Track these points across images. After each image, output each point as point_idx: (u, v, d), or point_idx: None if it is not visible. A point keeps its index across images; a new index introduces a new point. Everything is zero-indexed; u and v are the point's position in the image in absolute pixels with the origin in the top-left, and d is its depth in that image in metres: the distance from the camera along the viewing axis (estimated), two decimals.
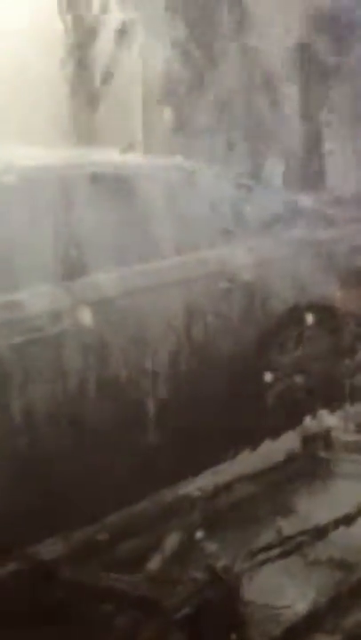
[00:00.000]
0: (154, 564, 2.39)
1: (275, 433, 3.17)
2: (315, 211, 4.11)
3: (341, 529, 2.56)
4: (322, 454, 3.06)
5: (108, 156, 3.67)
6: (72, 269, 3.03)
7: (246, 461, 3.02)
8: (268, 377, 3.70)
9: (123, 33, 6.11)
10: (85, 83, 6.12)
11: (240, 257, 3.55)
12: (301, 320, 3.79)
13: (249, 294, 3.54)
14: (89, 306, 2.98)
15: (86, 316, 2.92)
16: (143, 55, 6.99)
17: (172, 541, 2.54)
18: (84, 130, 6.18)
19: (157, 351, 3.24)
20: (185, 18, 6.42)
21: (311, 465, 3.07)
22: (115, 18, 6.10)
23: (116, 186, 3.32)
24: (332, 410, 3.18)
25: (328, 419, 3.05)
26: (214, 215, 3.57)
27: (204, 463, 2.97)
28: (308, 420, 3.08)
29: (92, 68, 6.15)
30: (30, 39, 5.84)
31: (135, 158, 3.95)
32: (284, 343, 3.77)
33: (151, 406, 3.19)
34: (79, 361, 2.99)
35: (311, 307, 3.79)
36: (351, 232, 4.06)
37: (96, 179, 3.24)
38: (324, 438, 3.04)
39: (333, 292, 3.82)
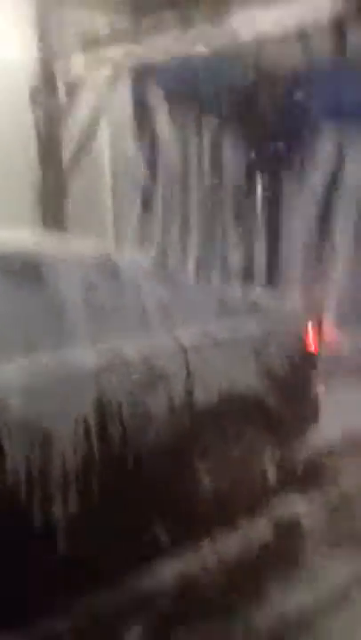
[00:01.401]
0: None
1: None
2: (252, 305, 4.09)
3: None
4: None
5: (21, 240, 3.50)
6: None
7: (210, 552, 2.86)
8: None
9: (91, 122, 6.30)
10: (53, 168, 6.23)
11: (161, 347, 3.43)
12: (229, 415, 3.67)
13: (171, 387, 3.39)
14: None
15: None
16: (112, 144, 7.22)
17: None
18: (52, 217, 6.27)
19: (64, 455, 2.97)
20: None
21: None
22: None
23: (24, 272, 3.18)
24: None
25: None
26: (134, 305, 3.51)
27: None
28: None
29: (60, 155, 6.28)
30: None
31: (54, 243, 3.79)
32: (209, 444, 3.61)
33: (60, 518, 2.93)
34: None
35: (240, 401, 3.69)
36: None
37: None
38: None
39: (263, 387, 3.73)
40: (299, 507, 2.95)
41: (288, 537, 2.97)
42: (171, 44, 5.42)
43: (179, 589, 2.72)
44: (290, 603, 2.64)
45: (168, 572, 2.82)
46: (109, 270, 3.48)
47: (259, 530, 3.01)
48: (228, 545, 2.98)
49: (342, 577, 2.67)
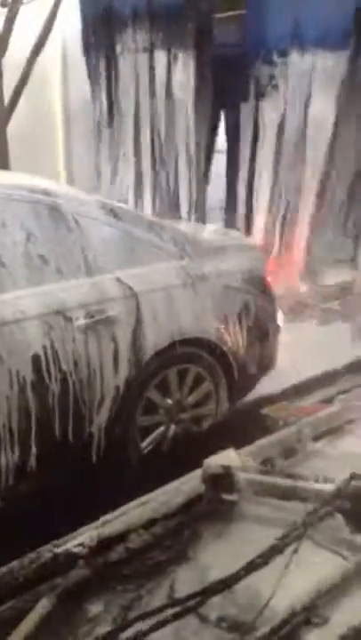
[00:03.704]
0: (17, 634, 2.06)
1: (171, 476, 2.88)
2: (199, 241, 3.85)
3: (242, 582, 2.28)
4: (225, 496, 2.77)
5: None
6: None
7: (142, 508, 2.71)
8: (149, 420, 3.47)
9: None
10: None
11: (104, 289, 3.21)
12: (182, 358, 3.50)
13: (115, 331, 3.19)
14: None
15: None
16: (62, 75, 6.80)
17: (43, 606, 2.23)
18: None
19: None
20: None
21: (214, 508, 2.78)
22: None
23: None
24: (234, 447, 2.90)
25: (229, 457, 2.77)
26: (73, 241, 3.24)
27: (88, 515, 2.67)
28: (208, 461, 2.79)
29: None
30: None
31: None
32: (164, 384, 3.48)
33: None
34: None
35: (191, 343, 3.51)
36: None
37: None
38: (227, 478, 2.76)
39: (214, 328, 3.54)
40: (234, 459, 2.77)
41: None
42: None
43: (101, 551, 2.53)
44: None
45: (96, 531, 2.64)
46: (49, 206, 3.17)
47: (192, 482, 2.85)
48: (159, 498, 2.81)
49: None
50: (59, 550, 2.38)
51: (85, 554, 2.42)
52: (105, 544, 2.53)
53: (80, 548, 2.40)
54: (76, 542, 2.41)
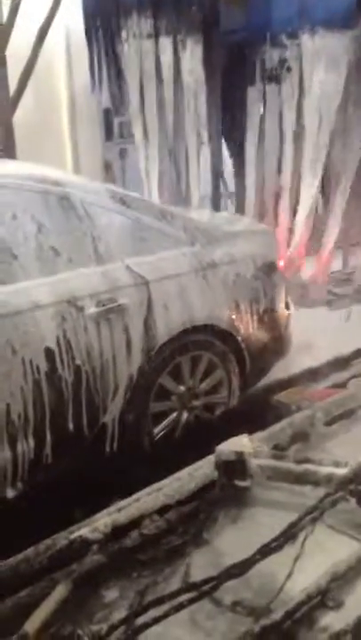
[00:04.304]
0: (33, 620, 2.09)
1: (183, 463, 2.89)
2: (209, 228, 3.83)
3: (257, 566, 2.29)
4: (238, 482, 2.77)
5: None
6: None
7: (155, 495, 2.73)
8: (163, 406, 3.47)
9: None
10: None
11: (115, 278, 3.20)
12: (194, 346, 3.51)
13: (127, 319, 3.19)
14: None
15: None
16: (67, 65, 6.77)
17: (59, 592, 2.25)
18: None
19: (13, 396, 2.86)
20: None
21: (228, 493, 2.79)
22: None
23: None
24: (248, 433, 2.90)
25: (241, 443, 2.77)
26: (83, 231, 3.24)
27: (102, 502, 2.69)
28: (221, 447, 2.79)
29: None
30: None
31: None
32: (176, 371, 3.48)
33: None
34: None
35: (203, 331, 3.51)
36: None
37: None
38: (240, 464, 2.76)
39: (226, 315, 3.53)
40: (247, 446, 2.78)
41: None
42: None
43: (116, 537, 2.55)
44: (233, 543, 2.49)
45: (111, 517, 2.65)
46: (58, 195, 3.17)
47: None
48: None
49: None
50: (74, 537, 2.39)
51: (100, 540, 2.43)
52: (120, 530, 2.54)
53: (95, 534, 2.41)
54: (90, 529, 2.41)
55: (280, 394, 3.84)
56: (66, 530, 2.51)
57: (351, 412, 3.41)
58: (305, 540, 2.32)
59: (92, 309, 3.07)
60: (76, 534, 2.42)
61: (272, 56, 5.70)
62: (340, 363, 4.39)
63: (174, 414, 3.57)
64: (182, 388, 3.56)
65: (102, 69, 6.07)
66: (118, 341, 3.14)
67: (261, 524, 2.64)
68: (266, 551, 2.35)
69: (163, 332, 3.33)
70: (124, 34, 5.79)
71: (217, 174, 6.07)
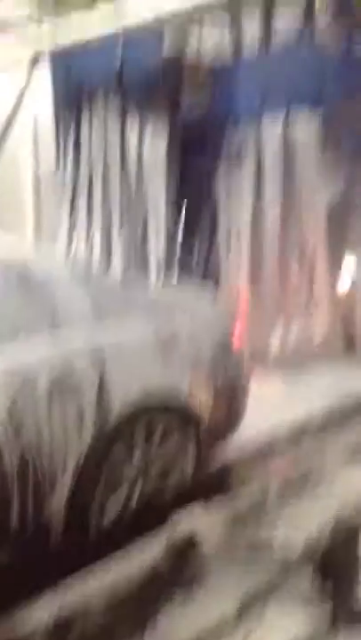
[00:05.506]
0: None
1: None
2: (167, 302, 3.90)
3: None
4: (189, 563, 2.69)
5: None
6: None
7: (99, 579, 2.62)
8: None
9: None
10: None
11: (69, 351, 3.18)
12: (148, 423, 3.46)
13: (80, 394, 3.14)
14: None
15: None
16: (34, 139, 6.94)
17: None
18: None
19: None
20: None
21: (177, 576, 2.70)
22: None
23: None
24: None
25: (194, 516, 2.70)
26: (46, 311, 3.27)
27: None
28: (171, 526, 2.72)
29: None
30: None
31: None
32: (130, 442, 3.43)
33: None
34: None
35: (159, 403, 3.48)
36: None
37: None
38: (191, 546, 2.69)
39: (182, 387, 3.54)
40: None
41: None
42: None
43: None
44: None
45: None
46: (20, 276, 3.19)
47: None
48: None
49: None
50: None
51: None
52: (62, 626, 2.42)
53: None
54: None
55: (235, 465, 3.80)
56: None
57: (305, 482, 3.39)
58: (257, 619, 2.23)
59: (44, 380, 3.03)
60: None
61: (234, 139, 5.89)
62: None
63: (127, 483, 3.49)
64: (136, 458, 3.50)
65: (67, 153, 6.24)
66: (70, 413, 3.10)
67: (214, 603, 2.55)
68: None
69: (117, 405, 3.29)
70: (88, 116, 5.98)
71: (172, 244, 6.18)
